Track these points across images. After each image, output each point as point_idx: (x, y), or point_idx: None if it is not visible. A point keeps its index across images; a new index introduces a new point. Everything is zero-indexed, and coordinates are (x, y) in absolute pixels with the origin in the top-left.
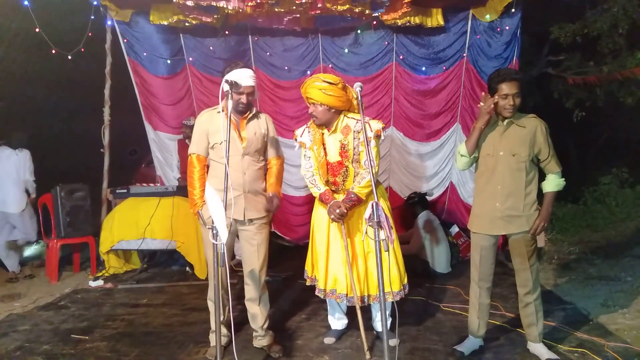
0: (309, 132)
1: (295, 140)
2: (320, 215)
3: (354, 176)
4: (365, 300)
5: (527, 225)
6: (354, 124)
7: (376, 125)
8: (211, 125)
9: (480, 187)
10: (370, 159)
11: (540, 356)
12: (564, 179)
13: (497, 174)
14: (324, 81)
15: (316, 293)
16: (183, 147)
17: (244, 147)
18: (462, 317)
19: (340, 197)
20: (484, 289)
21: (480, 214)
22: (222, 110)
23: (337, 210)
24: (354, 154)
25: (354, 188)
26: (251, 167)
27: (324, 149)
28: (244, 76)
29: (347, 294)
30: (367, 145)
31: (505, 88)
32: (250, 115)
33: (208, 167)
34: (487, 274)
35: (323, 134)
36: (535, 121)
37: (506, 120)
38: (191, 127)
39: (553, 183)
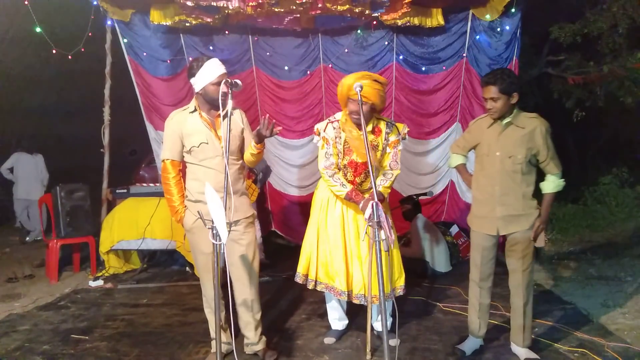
0: (333, 128)
1: (318, 134)
2: (336, 215)
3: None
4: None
5: (527, 223)
6: (385, 125)
7: (403, 128)
8: (184, 127)
9: (478, 187)
10: (371, 163)
11: (519, 356)
12: (563, 179)
13: (494, 175)
14: (376, 81)
15: (337, 296)
16: None
17: (223, 147)
18: (462, 317)
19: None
20: (485, 289)
21: (480, 214)
22: (195, 110)
23: None
24: (380, 155)
25: (379, 187)
26: (232, 167)
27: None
28: (216, 66)
29: (364, 294)
30: (367, 145)
31: (484, 92)
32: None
33: (183, 170)
34: (488, 274)
35: (351, 131)
36: (535, 121)
37: (505, 120)
38: None
39: (552, 184)
